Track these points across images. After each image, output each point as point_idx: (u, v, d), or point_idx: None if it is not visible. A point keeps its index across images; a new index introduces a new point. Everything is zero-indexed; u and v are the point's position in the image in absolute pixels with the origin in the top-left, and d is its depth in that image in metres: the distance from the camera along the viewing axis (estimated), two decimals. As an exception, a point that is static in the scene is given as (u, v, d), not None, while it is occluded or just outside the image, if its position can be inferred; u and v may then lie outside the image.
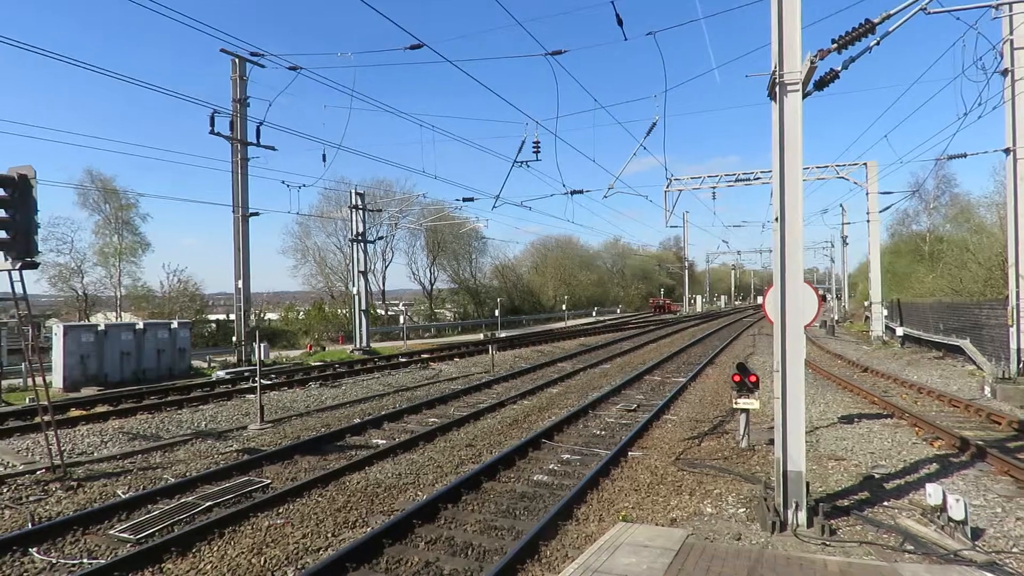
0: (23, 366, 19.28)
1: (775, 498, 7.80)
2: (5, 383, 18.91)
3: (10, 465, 11.03)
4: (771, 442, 10.55)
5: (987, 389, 17.26)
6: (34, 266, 10.43)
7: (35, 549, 7.44)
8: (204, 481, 10.10)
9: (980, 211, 43.70)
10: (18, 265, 10.05)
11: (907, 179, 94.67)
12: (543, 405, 17.05)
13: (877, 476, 9.92)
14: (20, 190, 10.11)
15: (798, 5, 7.61)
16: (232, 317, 30.01)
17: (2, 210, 10.05)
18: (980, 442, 11.30)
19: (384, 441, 13.00)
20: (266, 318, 48.57)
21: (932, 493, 7.74)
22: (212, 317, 44.14)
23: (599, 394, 18.04)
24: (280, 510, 8.82)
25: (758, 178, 31.49)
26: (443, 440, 13.07)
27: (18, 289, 10.39)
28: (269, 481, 10.13)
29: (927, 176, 52.53)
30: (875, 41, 8.02)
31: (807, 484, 7.69)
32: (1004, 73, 17.78)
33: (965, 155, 22.53)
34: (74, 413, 15.28)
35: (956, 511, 7.29)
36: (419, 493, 9.61)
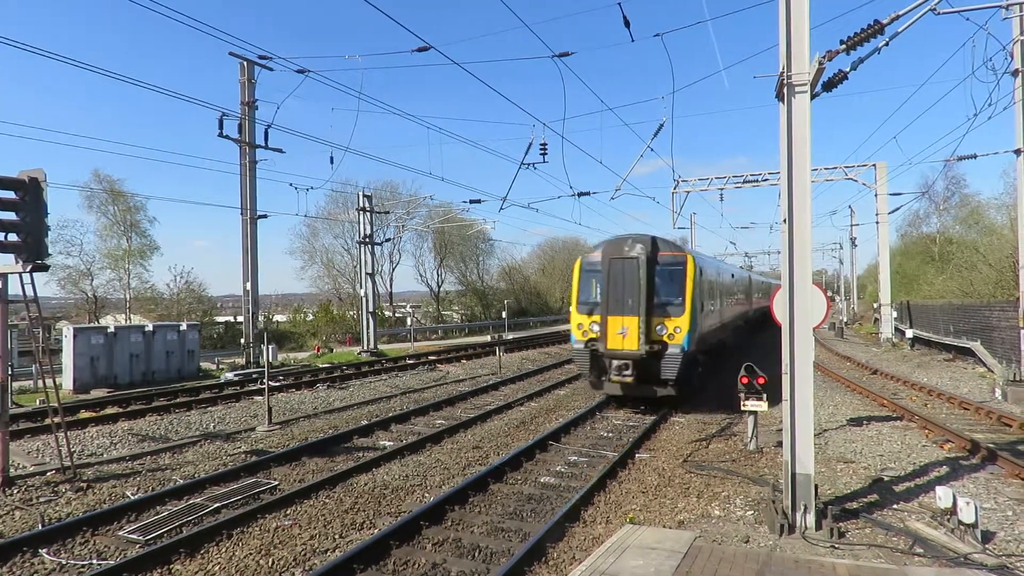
0: (33, 368, 19.44)
1: (783, 501, 7.76)
2: (16, 385, 19.05)
3: (21, 466, 11.10)
4: (779, 444, 10.50)
5: (998, 391, 17.12)
6: (44, 268, 10.50)
7: (45, 550, 7.49)
8: (212, 482, 10.14)
9: (990, 212, 43.40)
10: (28, 267, 10.13)
11: (917, 180, 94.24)
12: (550, 407, 17.03)
13: (886, 479, 9.86)
14: (30, 193, 10.19)
15: (806, 6, 7.58)
16: (240, 319, 30.14)
17: (13, 213, 10.13)
18: (991, 445, 11.21)
19: (391, 443, 13.02)
20: (274, 320, 48.75)
21: (942, 496, 7.69)
22: (220, 319, 44.36)
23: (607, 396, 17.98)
24: (288, 511, 8.85)
25: (766, 179, 31.39)
26: (450, 442, 13.08)
27: (28, 291, 10.47)
28: (277, 483, 10.15)
29: (937, 177, 52.17)
30: (884, 42, 7.99)
31: (816, 487, 7.65)
32: (1015, 74, 17.65)
33: (975, 156, 22.37)
34: (84, 415, 15.37)
35: (966, 514, 7.24)
36: (426, 495, 9.62)
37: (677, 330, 14.70)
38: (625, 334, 14.43)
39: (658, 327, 14.76)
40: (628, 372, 14.52)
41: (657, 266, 15.14)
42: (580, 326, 15.82)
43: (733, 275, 25.69)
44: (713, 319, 18.68)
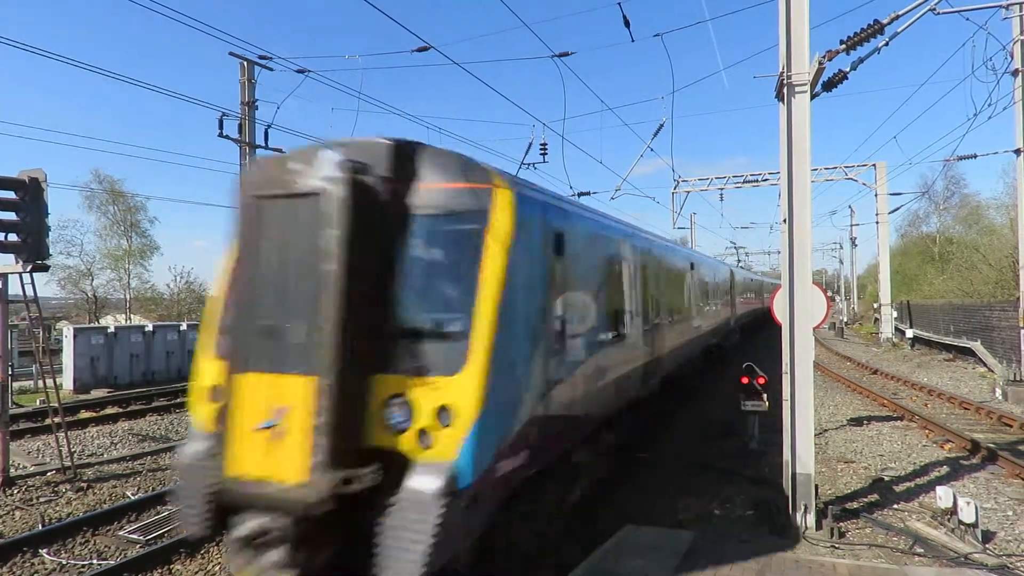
0: (34, 368, 19.44)
1: (784, 501, 7.76)
2: (16, 385, 19.04)
3: (21, 466, 11.10)
4: (780, 444, 10.49)
5: (998, 391, 17.12)
6: (44, 268, 10.50)
7: (45, 550, 7.47)
8: (212, 482, 10.12)
9: (990, 212, 43.52)
10: (28, 267, 10.12)
11: (916, 180, 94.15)
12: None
13: (887, 479, 9.85)
14: (31, 193, 10.18)
15: (806, 6, 7.59)
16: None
17: (13, 213, 10.13)
18: (991, 445, 11.21)
19: (391, 443, 12.98)
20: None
21: (942, 496, 7.69)
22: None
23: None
24: (288, 511, 8.83)
25: (766, 179, 31.42)
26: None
27: (28, 291, 10.47)
28: (277, 483, 10.13)
29: (936, 177, 52.14)
30: (884, 42, 8.00)
31: (816, 487, 7.65)
32: (1014, 74, 17.65)
33: (975, 156, 22.42)
34: (84, 415, 15.37)
35: (966, 514, 7.24)
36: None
37: (445, 416, 4.52)
38: (278, 432, 4.42)
39: (391, 408, 4.63)
40: (277, 553, 4.46)
41: (407, 217, 5.02)
42: (212, 393, 5.51)
43: (693, 264, 15.71)
44: (614, 362, 8.15)
